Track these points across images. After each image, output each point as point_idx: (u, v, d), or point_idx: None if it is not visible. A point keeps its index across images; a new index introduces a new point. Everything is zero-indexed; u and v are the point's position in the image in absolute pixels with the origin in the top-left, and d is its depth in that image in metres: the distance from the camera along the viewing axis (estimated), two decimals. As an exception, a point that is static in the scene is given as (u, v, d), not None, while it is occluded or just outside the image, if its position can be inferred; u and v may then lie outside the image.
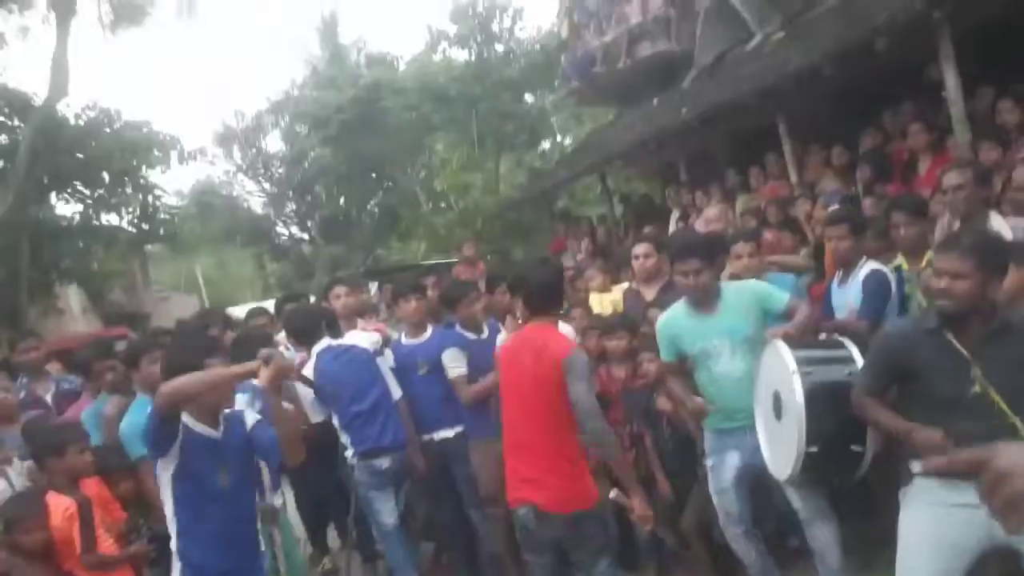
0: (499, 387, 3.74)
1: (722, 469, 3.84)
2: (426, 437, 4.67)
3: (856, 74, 7.04)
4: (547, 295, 3.58)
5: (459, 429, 4.64)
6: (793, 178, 7.91)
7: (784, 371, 3.25)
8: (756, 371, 3.62)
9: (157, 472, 3.06)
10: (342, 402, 4.50)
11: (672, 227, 8.95)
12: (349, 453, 4.53)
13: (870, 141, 7.33)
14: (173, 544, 3.08)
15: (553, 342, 3.50)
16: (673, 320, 3.90)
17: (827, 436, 3.15)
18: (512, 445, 3.58)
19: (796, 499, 3.68)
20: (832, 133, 7.91)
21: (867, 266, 4.11)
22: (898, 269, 4.29)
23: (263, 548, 3.56)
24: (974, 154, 5.48)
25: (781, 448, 3.37)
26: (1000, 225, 3.69)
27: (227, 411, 3.21)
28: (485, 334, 4.74)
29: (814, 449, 3.12)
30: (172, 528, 3.07)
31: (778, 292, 3.86)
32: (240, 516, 3.19)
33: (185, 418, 2.99)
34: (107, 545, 3.54)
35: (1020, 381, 2.57)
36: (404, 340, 4.85)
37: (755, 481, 3.87)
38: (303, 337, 4.64)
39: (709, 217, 6.62)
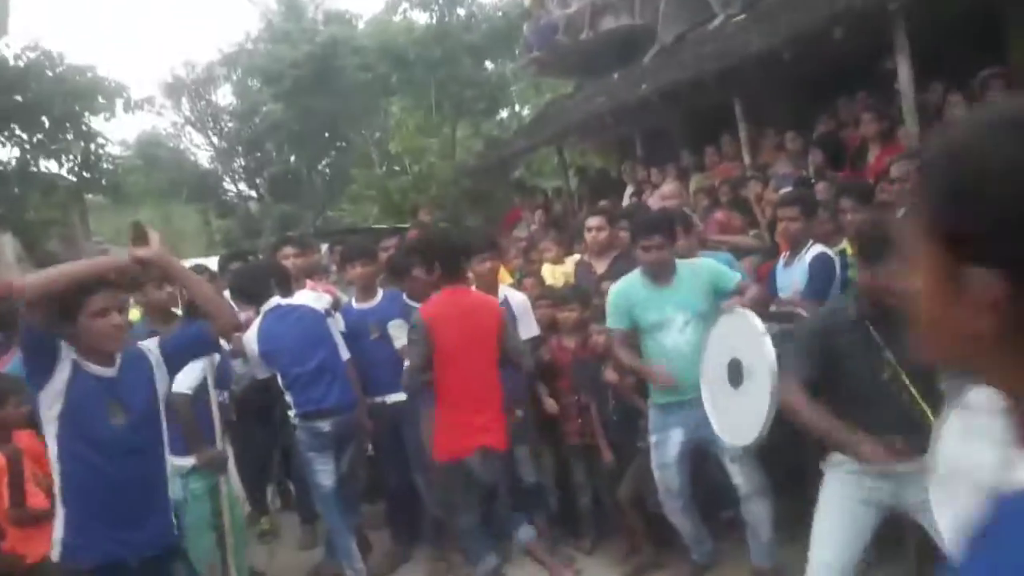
0: (437, 352, 3.95)
1: (666, 445, 3.92)
2: (378, 399, 4.65)
3: (813, 61, 7.14)
4: (459, 261, 4.05)
5: None
6: (747, 159, 8.03)
7: (751, 335, 3.30)
8: (704, 344, 3.69)
9: (40, 411, 2.72)
10: (284, 362, 4.45)
11: (626, 202, 9.01)
12: (292, 413, 4.51)
13: (823, 127, 7.46)
14: (57, 492, 2.76)
15: (482, 300, 4.11)
16: (629, 289, 3.95)
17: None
18: (466, 400, 3.97)
19: (738, 474, 3.78)
20: (787, 117, 8.04)
21: (814, 249, 4.21)
22: (843, 253, 4.40)
23: (179, 499, 3.63)
24: (922, 145, 5.62)
25: (741, 415, 3.40)
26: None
27: (126, 349, 2.91)
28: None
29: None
30: (56, 475, 2.74)
31: (729, 271, 3.96)
32: (140, 463, 2.83)
33: (74, 355, 2.71)
34: (37, 499, 3.46)
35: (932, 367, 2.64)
36: (354, 304, 4.81)
37: (694, 455, 3.97)
38: (250, 298, 4.56)
39: (665, 193, 6.70)
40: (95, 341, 2.73)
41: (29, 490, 3.45)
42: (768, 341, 3.20)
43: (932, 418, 2.55)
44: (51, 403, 2.69)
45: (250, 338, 4.50)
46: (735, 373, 3.44)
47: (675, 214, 4.81)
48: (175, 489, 3.44)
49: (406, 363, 4.17)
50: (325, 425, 4.42)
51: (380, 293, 4.79)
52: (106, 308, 2.72)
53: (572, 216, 10.16)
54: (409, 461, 4.65)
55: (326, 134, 25.22)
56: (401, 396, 4.55)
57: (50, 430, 2.71)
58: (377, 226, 16.45)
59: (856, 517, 2.85)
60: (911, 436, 2.60)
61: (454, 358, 3.94)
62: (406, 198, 17.62)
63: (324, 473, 4.49)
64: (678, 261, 4.02)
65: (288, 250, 5.17)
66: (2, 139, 14.53)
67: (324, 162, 26.55)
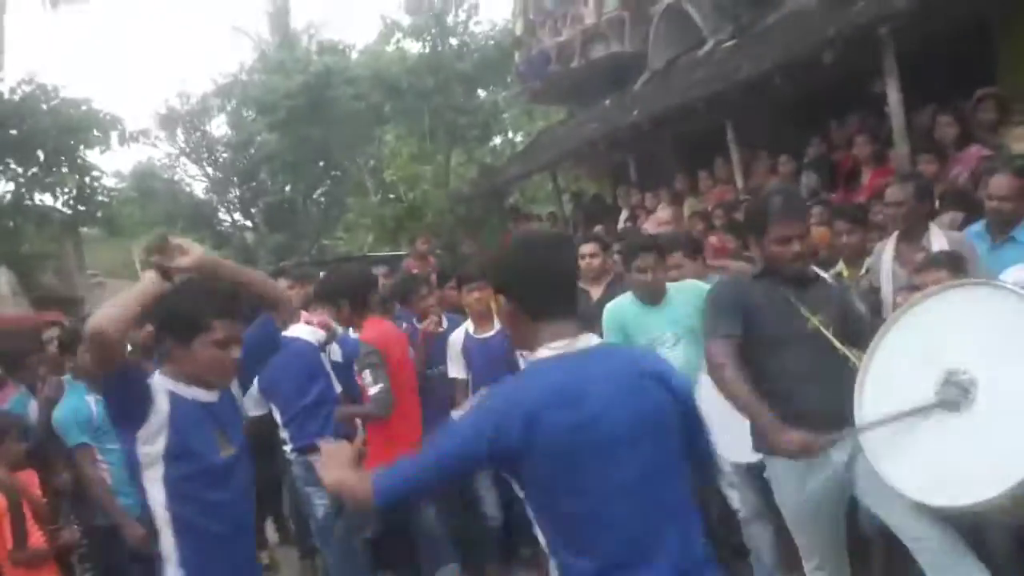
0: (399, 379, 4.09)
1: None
2: None
3: (804, 84, 7.20)
4: (366, 296, 4.20)
5: None
6: (739, 183, 8.06)
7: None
8: (700, 364, 3.62)
9: (138, 456, 2.33)
10: (283, 397, 4.41)
11: (620, 227, 9.03)
12: (288, 448, 4.45)
13: (815, 150, 7.51)
14: (166, 545, 2.36)
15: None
16: (621, 310, 3.98)
17: None
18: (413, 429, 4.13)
19: (736, 499, 3.75)
20: (779, 141, 8.09)
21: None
22: (839, 276, 4.40)
23: None
24: (913, 166, 5.65)
25: (741, 433, 3.21)
26: (938, 237, 3.81)
27: None
28: (444, 327, 4.73)
29: None
30: (165, 525, 2.35)
31: None
32: (245, 499, 2.52)
33: (170, 384, 2.39)
34: (36, 538, 3.43)
35: (834, 317, 2.81)
36: (353, 333, 4.73)
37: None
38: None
39: (661, 219, 6.71)
40: (206, 371, 2.41)
41: (30, 530, 3.42)
42: None
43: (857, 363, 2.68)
44: (152, 439, 2.32)
45: None
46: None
47: (680, 237, 4.81)
48: None
49: (374, 389, 4.01)
50: None
51: None
52: (229, 338, 2.41)
53: (567, 242, 10.17)
54: None
55: (321, 163, 25.29)
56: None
57: (152, 474, 2.33)
58: (372, 254, 16.48)
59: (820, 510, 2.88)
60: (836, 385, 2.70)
61: (406, 388, 4.13)
62: (401, 226, 17.64)
63: (322, 507, 4.43)
64: (669, 284, 4.03)
65: (283, 282, 5.14)
66: (-3, 173, 14.53)
67: (319, 191, 26.59)
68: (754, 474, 3.54)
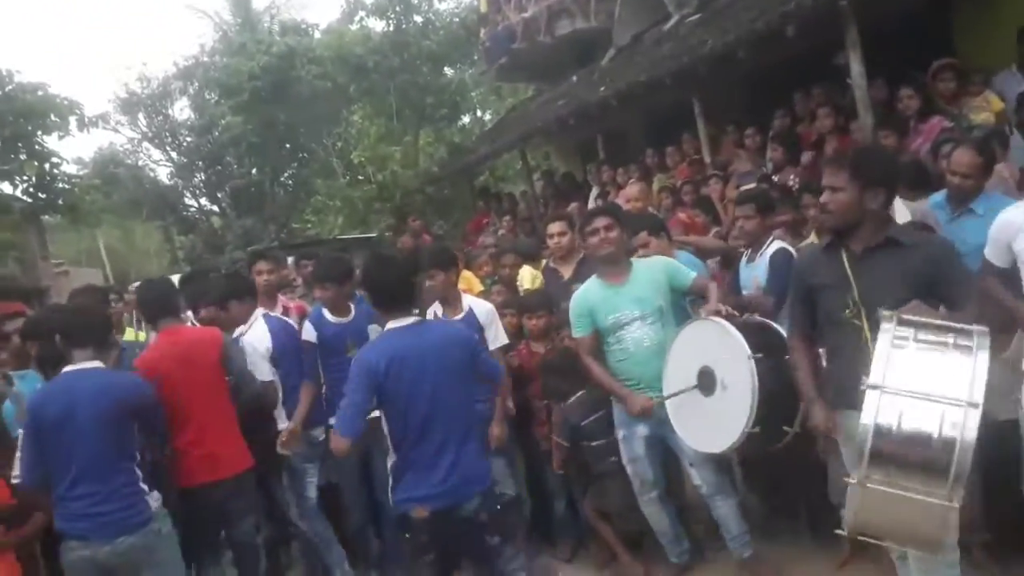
0: None
1: (632, 440, 3.98)
2: None
3: (768, 58, 7.23)
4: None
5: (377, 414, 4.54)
6: (707, 158, 8.10)
7: (729, 350, 3.31)
8: (670, 345, 3.70)
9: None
10: (288, 367, 4.49)
11: (591, 204, 9.05)
12: (282, 424, 4.46)
13: (780, 123, 7.56)
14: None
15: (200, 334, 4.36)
16: (587, 294, 3.99)
17: (767, 417, 3.26)
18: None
19: (696, 476, 3.89)
20: (745, 114, 8.14)
21: (774, 244, 4.27)
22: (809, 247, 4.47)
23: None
24: (875, 138, 5.72)
25: (711, 423, 3.45)
26: (900, 208, 3.87)
27: None
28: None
29: (756, 429, 3.23)
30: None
31: (684, 268, 3.99)
32: None
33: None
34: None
35: (895, 295, 2.65)
36: (330, 318, 4.60)
37: (666, 452, 4.01)
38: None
39: (630, 195, 6.71)
40: None
41: None
42: (752, 365, 3.21)
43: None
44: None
45: (259, 337, 4.45)
46: (707, 381, 3.45)
47: (644, 218, 4.83)
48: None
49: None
50: (320, 434, 4.47)
51: (353, 309, 4.64)
52: None
53: (539, 220, 10.20)
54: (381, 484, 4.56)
55: (287, 145, 24.99)
56: (375, 414, 4.47)
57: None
58: (342, 236, 16.37)
59: None
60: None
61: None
62: (370, 207, 17.53)
63: (312, 486, 4.53)
64: (634, 260, 4.06)
65: (261, 265, 5.12)
66: (-48, 162, 14.17)
67: (286, 174, 26.29)
68: (714, 456, 3.72)
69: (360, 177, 19.66)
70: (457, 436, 3.16)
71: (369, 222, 17.40)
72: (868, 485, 2.33)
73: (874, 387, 2.34)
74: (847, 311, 2.76)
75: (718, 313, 3.52)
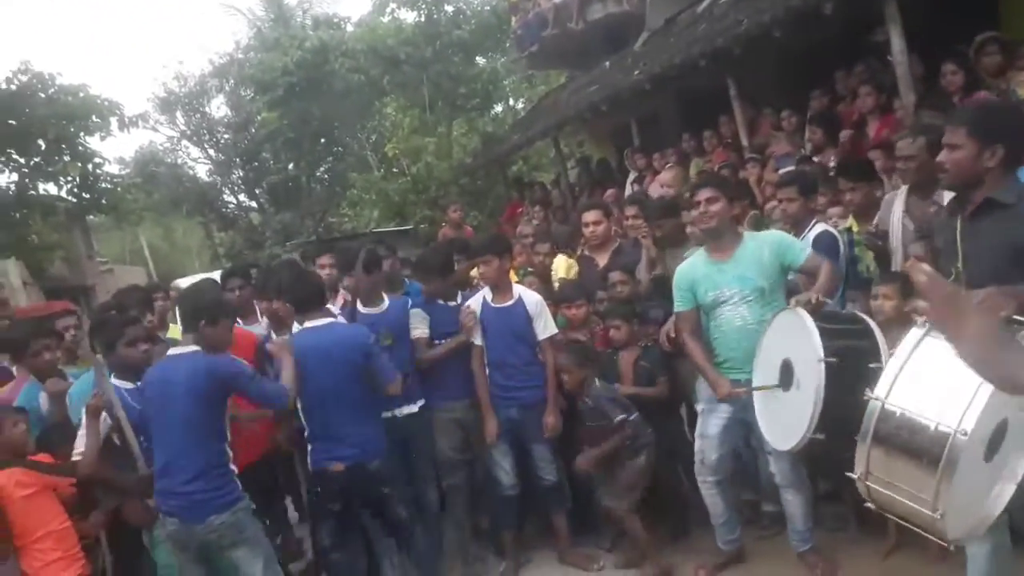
0: None
1: (711, 416, 3.88)
2: (387, 413, 4.44)
3: (805, 37, 7.08)
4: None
5: (421, 403, 4.53)
6: (744, 141, 7.97)
7: (806, 348, 3.06)
8: (764, 332, 3.50)
9: None
10: None
11: (628, 190, 8.97)
12: None
13: (818, 103, 7.41)
14: None
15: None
16: (692, 267, 3.87)
17: (836, 427, 2.98)
18: None
19: (773, 464, 3.80)
20: (782, 95, 7.99)
21: (817, 227, 4.19)
22: (848, 230, 4.38)
23: None
24: (918, 117, 5.57)
25: (783, 418, 3.32)
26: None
27: None
28: (457, 301, 4.68)
29: (820, 436, 3.04)
30: None
31: (798, 245, 3.77)
32: None
33: None
34: (61, 521, 3.53)
35: (992, 264, 2.49)
36: (362, 309, 4.63)
37: (742, 439, 3.98)
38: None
39: (664, 181, 6.65)
40: None
41: (56, 513, 3.51)
42: (822, 368, 2.93)
43: None
44: None
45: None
46: (787, 375, 3.28)
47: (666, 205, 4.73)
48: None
49: None
50: None
51: (387, 300, 4.64)
52: None
53: (572, 208, 10.14)
54: (419, 474, 4.58)
55: (322, 140, 25.20)
56: (413, 408, 4.47)
57: None
58: (379, 229, 16.46)
59: None
60: None
61: None
62: (406, 200, 17.59)
63: None
64: (746, 234, 3.91)
65: (325, 259, 5.22)
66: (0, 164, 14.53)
67: (322, 168, 26.51)
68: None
69: (395, 170, 19.75)
70: (356, 415, 3.98)
71: (405, 214, 17.47)
72: (868, 483, 2.24)
73: (879, 394, 2.20)
74: (950, 279, 2.56)
75: (808, 303, 3.25)
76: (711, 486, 3.97)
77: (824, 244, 4.05)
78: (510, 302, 4.43)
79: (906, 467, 2.17)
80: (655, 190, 7.27)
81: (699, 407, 3.98)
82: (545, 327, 4.43)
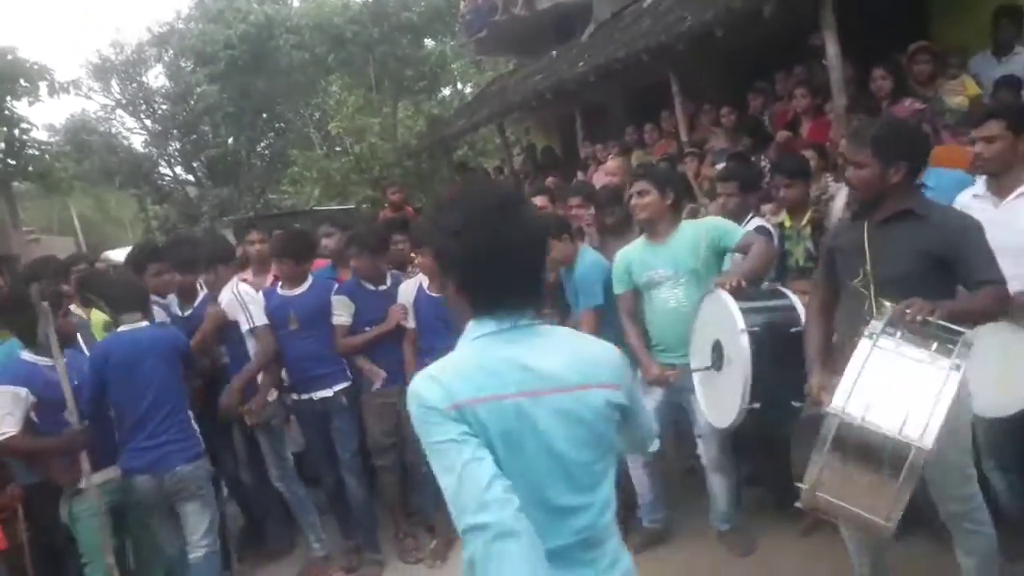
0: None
1: (644, 398, 3.91)
2: (305, 396, 4.54)
3: (745, 37, 7.25)
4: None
5: (340, 387, 4.55)
6: (683, 136, 8.14)
7: (729, 324, 3.22)
8: (695, 317, 3.62)
9: None
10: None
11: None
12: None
13: (754, 103, 7.61)
14: None
15: None
16: (629, 251, 3.97)
17: (769, 393, 3.15)
18: None
19: (703, 448, 3.94)
20: (722, 93, 8.17)
21: (753, 221, 4.32)
22: (780, 226, 4.53)
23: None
24: (848, 120, 5.77)
25: (720, 398, 3.42)
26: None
27: None
28: (386, 285, 4.69)
29: (756, 405, 3.15)
30: None
31: (733, 228, 3.85)
32: None
33: None
34: None
35: (904, 268, 2.64)
36: (279, 290, 4.64)
37: (672, 419, 4.08)
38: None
39: (609, 169, 6.71)
40: None
41: None
42: (745, 338, 3.11)
43: None
44: None
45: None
46: (718, 355, 3.40)
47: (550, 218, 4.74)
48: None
49: None
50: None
51: (309, 281, 4.64)
52: None
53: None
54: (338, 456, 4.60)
55: (264, 115, 24.72)
56: (328, 392, 4.50)
57: None
58: (319, 208, 16.25)
59: None
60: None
61: None
62: (347, 180, 17.40)
63: (291, 446, 4.70)
64: (685, 221, 3.99)
65: (254, 235, 5.30)
66: (-81, 126, 13.88)
67: (263, 144, 26.02)
68: (722, 433, 3.70)
69: (338, 148, 19.51)
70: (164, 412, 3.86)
71: (347, 194, 17.28)
72: (818, 493, 2.33)
73: (836, 406, 2.29)
74: (857, 279, 2.77)
75: (725, 284, 3.37)
76: (640, 466, 4.09)
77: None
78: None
79: (862, 476, 2.25)
80: (599, 179, 7.37)
81: None
82: None
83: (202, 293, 4.76)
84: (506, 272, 1.62)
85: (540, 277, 1.70)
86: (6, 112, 14.52)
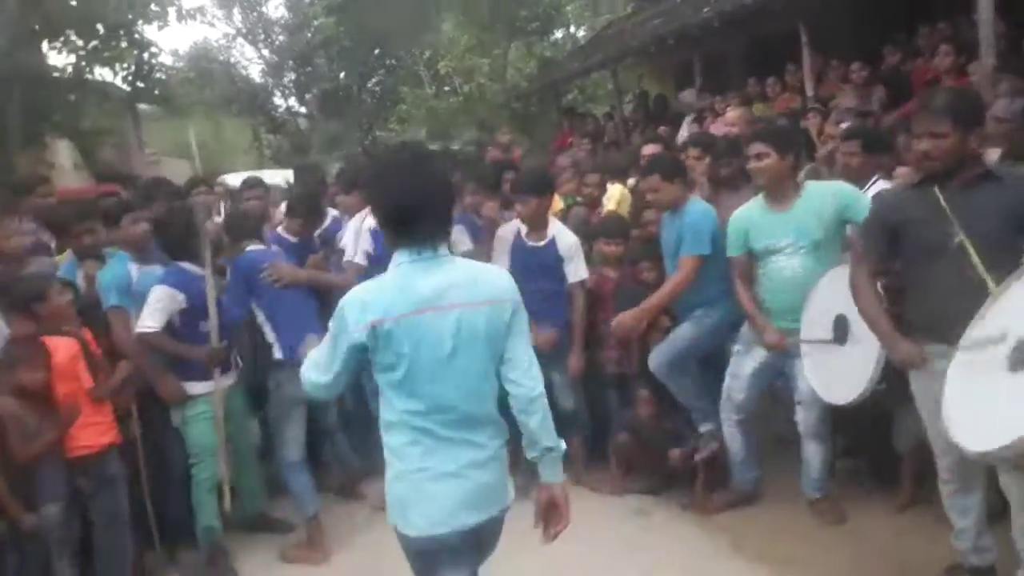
0: None
1: (745, 357, 3.94)
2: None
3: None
4: None
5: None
6: (809, 91, 7.74)
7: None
8: (815, 285, 3.56)
9: None
10: None
11: (685, 130, 8.79)
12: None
13: (890, 59, 7.13)
14: None
15: None
16: (747, 214, 3.85)
17: (894, 373, 3.11)
18: None
19: (799, 413, 3.84)
20: (854, 47, 7.70)
21: (877, 185, 4.07)
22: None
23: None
24: (993, 83, 5.34)
25: (836, 373, 3.37)
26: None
27: None
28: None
29: (883, 386, 3.15)
30: None
31: (864, 201, 3.65)
32: None
33: None
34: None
35: (991, 229, 2.67)
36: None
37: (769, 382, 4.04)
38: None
39: (729, 120, 6.44)
40: None
41: (104, 370, 3.68)
42: None
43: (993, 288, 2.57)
44: None
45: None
46: (841, 329, 3.35)
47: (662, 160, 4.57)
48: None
49: None
50: None
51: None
52: None
53: (626, 143, 9.97)
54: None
55: (376, 51, 24.89)
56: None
57: None
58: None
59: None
60: (968, 305, 2.60)
61: None
62: (455, 120, 17.42)
63: None
64: (811, 183, 3.89)
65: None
66: (58, 45, 14.55)
67: (374, 80, 26.25)
68: (825, 403, 3.61)
69: (446, 88, 19.51)
70: None
71: (452, 135, 17.32)
72: None
73: None
74: (953, 241, 2.70)
75: None
76: (734, 424, 4.04)
77: None
78: (543, 242, 4.43)
79: None
80: (718, 130, 7.10)
81: (735, 348, 4.02)
82: (576, 271, 4.43)
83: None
84: (414, 213, 2.09)
85: (445, 219, 2.18)
86: (136, 36, 15.05)
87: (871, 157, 4.23)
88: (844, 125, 5.83)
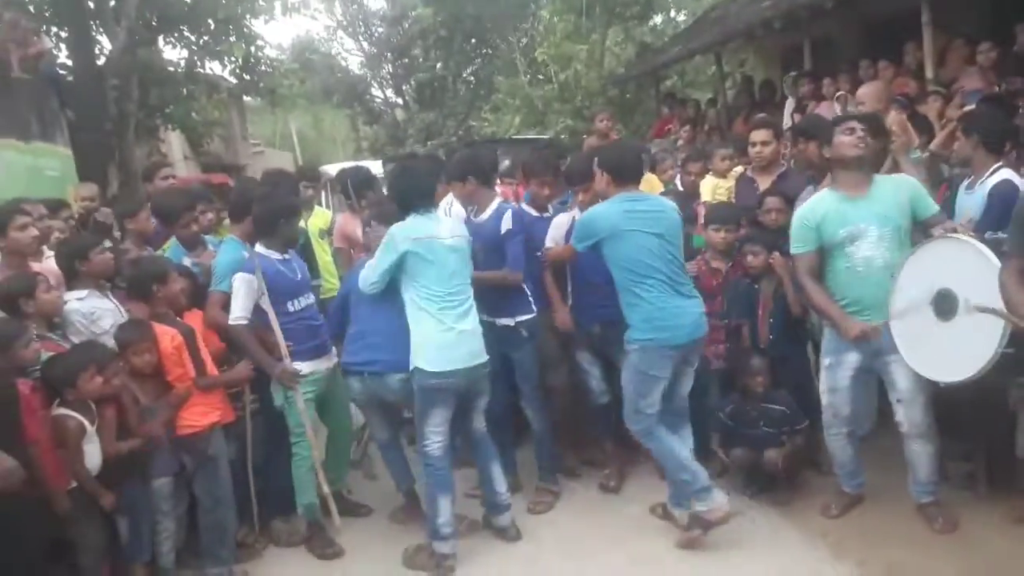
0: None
1: (839, 369, 3.79)
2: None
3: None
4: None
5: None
6: (929, 72, 7.27)
7: (973, 269, 3.09)
8: (899, 269, 3.44)
9: None
10: None
11: (787, 117, 8.42)
12: None
13: (1023, 37, 6.64)
14: None
15: None
16: (818, 205, 3.70)
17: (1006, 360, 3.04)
18: None
19: (900, 413, 3.66)
20: (982, 25, 7.20)
21: (998, 174, 3.78)
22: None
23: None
24: None
25: (947, 350, 3.24)
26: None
27: None
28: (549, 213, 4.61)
29: (1011, 350, 3.01)
30: None
31: (930, 198, 3.65)
32: None
33: None
34: (211, 369, 3.84)
35: None
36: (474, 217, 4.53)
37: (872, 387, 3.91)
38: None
39: (861, 97, 6.03)
40: None
41: (205, 361, 3.79)
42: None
43: None
44: None
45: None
46: (945, 305, 3.21)
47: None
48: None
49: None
50: None
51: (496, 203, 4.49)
52: None
53: (729, 129, 9.66)
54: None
55: (473, 40, 25.03)
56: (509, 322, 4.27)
57: None
58: (517, 136, 16.31)
59: None
60: None
61: None
62: (549, 108, 17.30)
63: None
64: (878, 175, 3.75)
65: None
66: (172, 40, 15.18)
67: (469, 69, 26.41)
68: (926, 396, 3.53)
69: (541, 76, 19.39)
70: None
71: (547, 123, 17.21)
72: None
73: None
74: None
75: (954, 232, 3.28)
76: (842, 437, 3.89)
77: (999, 194, 3.65)
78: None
79: None
80: (827, 112, 6.74)
81: (825, 362, 3.86)
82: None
83: None
84: (412, 191, 3.90)
85: (432, 193, 4.00)
86: (244, 29, 15.55)
87: (989, 145, 3.92)
88: (968, 108, 5.46)
